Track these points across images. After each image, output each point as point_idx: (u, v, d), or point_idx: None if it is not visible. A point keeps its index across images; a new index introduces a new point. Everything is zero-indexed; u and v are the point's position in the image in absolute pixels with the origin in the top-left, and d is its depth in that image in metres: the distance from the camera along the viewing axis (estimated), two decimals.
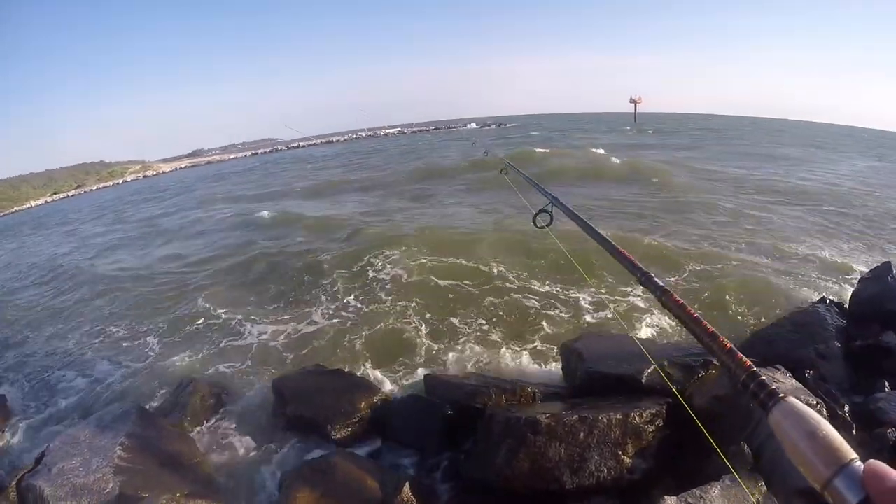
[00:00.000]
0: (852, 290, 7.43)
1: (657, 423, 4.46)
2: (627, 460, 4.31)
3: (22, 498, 4.72)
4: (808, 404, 3.36)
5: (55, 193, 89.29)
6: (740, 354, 1.09)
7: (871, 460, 0.75)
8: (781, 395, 0.93)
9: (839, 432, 0.82)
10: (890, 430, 4.46)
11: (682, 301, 1.37)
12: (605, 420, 4.35)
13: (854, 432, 4.44)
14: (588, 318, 7.93)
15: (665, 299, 1.44)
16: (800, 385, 4.83)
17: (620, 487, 4.31)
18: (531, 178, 3.77)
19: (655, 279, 1.57)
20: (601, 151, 27.98)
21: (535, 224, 3.12)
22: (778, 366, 5.38)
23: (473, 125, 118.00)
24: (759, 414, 1.02)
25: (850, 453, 0.79)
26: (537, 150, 30.30)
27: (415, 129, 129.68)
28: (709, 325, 1.22)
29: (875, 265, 7.56)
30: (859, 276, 7.89)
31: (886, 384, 5.28)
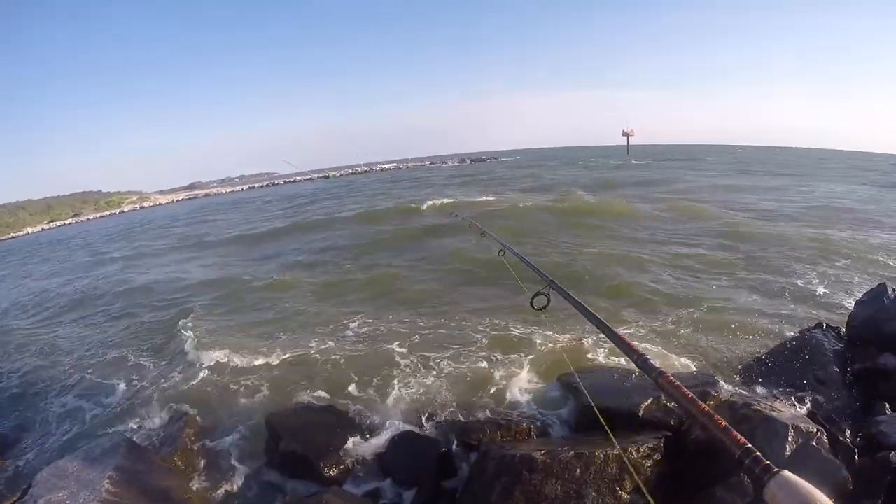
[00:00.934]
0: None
1: (655, 457, 4.40)
2: (625, 496, 4.24)
3: None
4: (808, 433, 3.32)
5: (52, 221, 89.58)
6: (735, 432, 1.19)
7: None
8: (776, 469, 0.99)
9: (834, 502, 0.88)
10: (893, 454, 4.40)
11: (677, 382, 1.46)
12: (601, 456, 4.29)
13: (856, 458, 4.39)
14: (588, 353, 7.86)
15: (661, 381, 1.51)
16: (799, 413, 4.79)
17: None
18: (529, 261, 3.86)
19: (651, 361, 1.65)
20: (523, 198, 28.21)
21: (532, 306, 3.14)
22: (776, 393, 5.36)
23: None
24: (756, 488, 1.03)
25: None
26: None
27: (409, 163, 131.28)
28: (704, 406, 1.32)
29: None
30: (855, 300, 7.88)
31: (887, 407, 5.23)
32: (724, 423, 1.22)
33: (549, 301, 3.09)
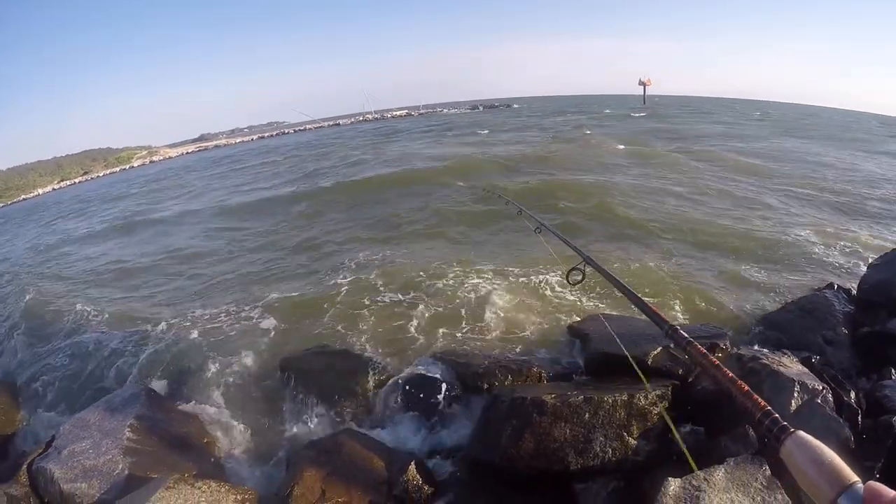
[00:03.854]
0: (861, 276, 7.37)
1: (662, 404, 4.46)
2: (632, 442, 4.32)
3: (33, 480, 4.76)
4: (813, 390, 3.39)
5: (62, 181, 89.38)
6: (756, 396, 1.28)
7: (870, 482, 0.86)
8: (792, 429, 1.08)
9: (842, 458, 0.95)
10: None
11: (704, 350, 1.59)
12: (609, 401, 4.36)
13: (860, 419, 4.42)
14: (594, 300, 7.92)
15: (690, 349, 1.64)
16: (806, 370, 4.82)
17: (625, 469, 4.33)
18: (565, 238, 3.93)
19: (681, 331, 1.76)
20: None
21: (567, 280, 3.35)
22: (785, 350, 5.37)
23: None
24: (773, 445, 1.13)
25: (852, 476, 0.90)
26: None
27: (422, 111, 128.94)
28: (728, 371, 1.43)
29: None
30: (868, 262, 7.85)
31: (893, 372, 5.24)
32: (746, 388, 1.33)
33: (584, 276, 3.23)
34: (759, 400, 1.25)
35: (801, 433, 1.05)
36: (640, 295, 2.25)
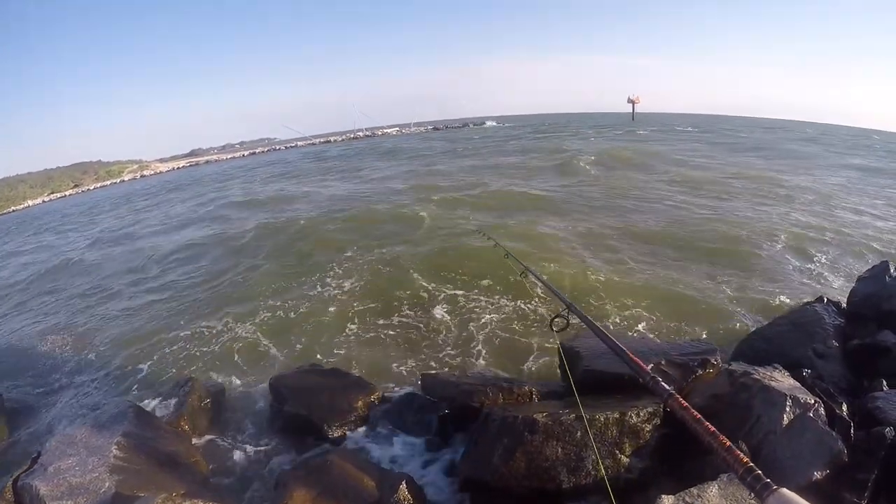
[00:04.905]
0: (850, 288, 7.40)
1: (654, 421, 4.45)
2: (625, 459, 4.30)
3: (18, 497, 4.68)
4: (805, 404, 3.35)
5: (52, 193, 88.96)
6: (738, 451, 1.29)
7: None
8: (774, 487, 1.08)
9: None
10: (888, 430, 4.44)
11: (686, 404, 1.62)
12: (601, 419, 4.34)
13: (852, 432, 4.42)
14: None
15: (671, 402, 1.68)
16: (797, 384, 4.82)
17: (618, 487, 4.30)
18: (549, 284, 4.02)
19: (662, 383, 1.82)
20: None
21: (552, 328, 3.36)
22: (776, 364, 5.37)
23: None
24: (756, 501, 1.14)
25: None
26: None
27: (412, 128, 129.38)
28: (710, 426, 1.45)
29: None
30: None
31: (884, 383, 5.25)
32: (728, 443, 1.33)
33: (567, 323, 3.24)
34: (741, 455, 1.26)
35: (784, 492, 1.05)
36: (622, 346, 2.26)
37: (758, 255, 10.85)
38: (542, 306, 8.50)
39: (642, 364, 1.99)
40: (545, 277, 4.28)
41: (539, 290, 5.38)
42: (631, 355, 2.08)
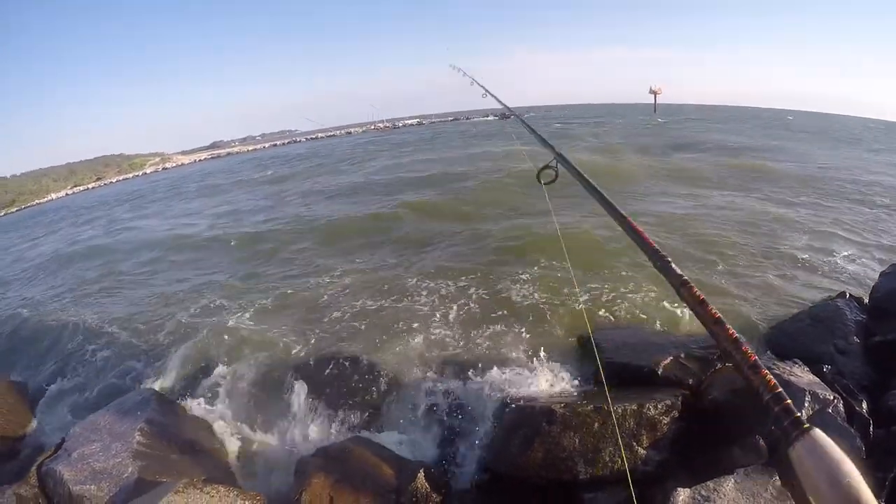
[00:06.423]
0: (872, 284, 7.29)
1: (672, 414, 4.44)
2: (641, 451, 4.31)
3: (42, 482, 4.80)
4: (825, 399, 3.31)
5: (76, 186, 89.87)
6: (765, 370, 0.98)
7: None
8: (807, 426, 0.85)
9: (863, 478, 0.77)
10: None
11: (702, 296, 1.20)
12: (619, 410, 4.35)
13: (872, 429, 4.38)
14: (604, 310, 7.86)
15: (683, 292, 1.27)
16: (817, 379, 4.78)
17: (634, 479, 4.30)
18: (536, 131, 3.70)
19: (674, 266, 1.36)
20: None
21: (539, 180, 3.05)
22: (796, 360, 5.33)
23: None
24: (781, 443, 0.92)
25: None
26: None
27: (433, 119, 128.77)
28: (731, 330, 1.08)
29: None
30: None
31: None
32: (753, 358, 1.00)
33: (556, 175, 2.98)
34: (769, 377, 0.95)
35: (818, 434, 0.83)
36: (624, 213, 1.71)
37: (783, 246, 10.69)
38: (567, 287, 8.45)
39: (650, 239, 1.49)
40: (529, 124, 4.04)
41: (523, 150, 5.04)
42: (634, 224, 1.61)
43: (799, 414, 0.88)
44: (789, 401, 0.91)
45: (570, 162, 2.61)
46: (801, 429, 0.85)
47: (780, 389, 0.93)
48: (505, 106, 5.35)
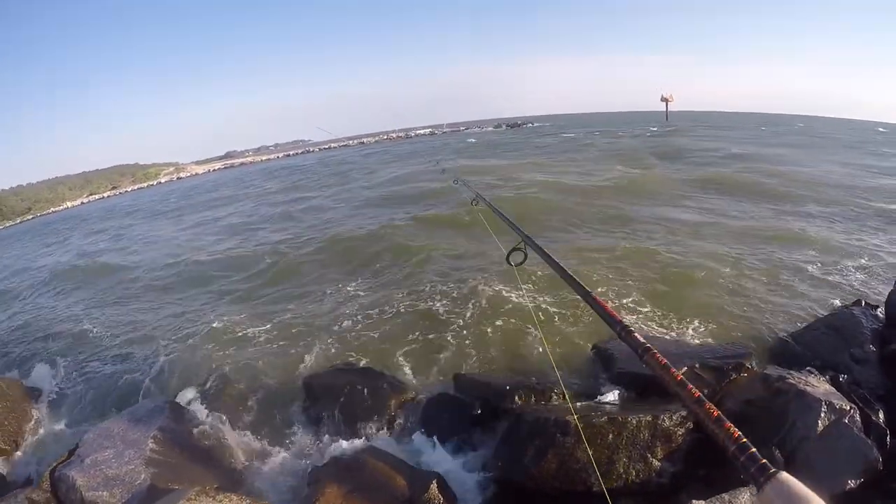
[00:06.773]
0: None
1: (687, 425, 4.41)
2: (656, 463, 4.28)
3: (55, 487, 4.83)
4: (841, 410, 3.27)
5: (91, 195, 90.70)
6: (728, 423, 1.05)
7: None
8: (772, 470, 0.90)
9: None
10: None
11: (665, 361, 1.31)
12: (634, 422, 4.33)
13: (888, 440, 4.33)
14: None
15: (647, 358, 1.36)
16: (833, 389, 4.74)
17: (648, 490, 4.28)
18: (503, 214, 3.85)
19: (637, 335, 1.47)
20: None
21: (508, 262, 3.16)
22: (811, 369, 5.29)
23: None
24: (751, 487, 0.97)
25: None
26: None
27: (445, 129, 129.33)
28: (695, 390, 1.18)
29: None
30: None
31: None
32: (716, 413, 1.09)
33: (525, 257, 3.11)
34: (732, 429, 1.03)
35: (784, 476, 0.88)
36: (588, 289, 1.92)
37: (797, 255, 10.62)
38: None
39: (612, 311, 1.65)
40: (498, 208, 4.15)
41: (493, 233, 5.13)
42: (597, 298, 1.78)
43: (764, 460, 0.94)
44: (753, 449, 0.97)
45: (537, 243, 2.79)
46: (767, 474, 0.90)
47: (745, 440, 1.00)
48: (477, 192, 5.40)
